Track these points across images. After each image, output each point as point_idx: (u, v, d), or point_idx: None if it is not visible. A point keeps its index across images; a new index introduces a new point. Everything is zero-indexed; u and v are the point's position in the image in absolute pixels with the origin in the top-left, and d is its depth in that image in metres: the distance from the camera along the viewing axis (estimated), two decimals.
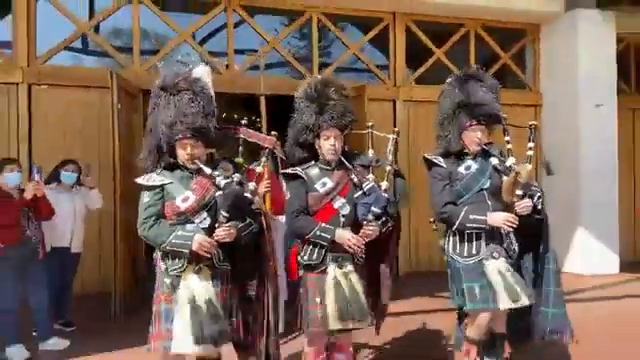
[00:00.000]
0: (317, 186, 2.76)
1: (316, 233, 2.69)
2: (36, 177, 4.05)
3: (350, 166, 2.81)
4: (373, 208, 2.68)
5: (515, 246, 2.88)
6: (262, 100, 4.64)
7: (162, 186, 2.54)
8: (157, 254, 2.61)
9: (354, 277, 2.73)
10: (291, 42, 7.29)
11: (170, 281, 2.51)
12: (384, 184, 2.80)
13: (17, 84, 5.82)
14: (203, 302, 2.42)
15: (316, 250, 2.74)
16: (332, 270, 2.72)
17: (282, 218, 3.67)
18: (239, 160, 2.65)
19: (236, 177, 2.54)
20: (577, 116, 7.09)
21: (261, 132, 4.28)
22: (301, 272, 2.83)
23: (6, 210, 3.90)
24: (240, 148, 3.21)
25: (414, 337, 4.28)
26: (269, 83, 6.56)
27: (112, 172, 5.10)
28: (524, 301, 2.75)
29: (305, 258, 2.77)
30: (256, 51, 6.79)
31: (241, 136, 3.04)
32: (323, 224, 2.71)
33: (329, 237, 2.68)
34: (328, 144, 2.76)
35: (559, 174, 7.36)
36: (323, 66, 7.13)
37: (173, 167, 2.58)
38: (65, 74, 6.07)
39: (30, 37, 5.91)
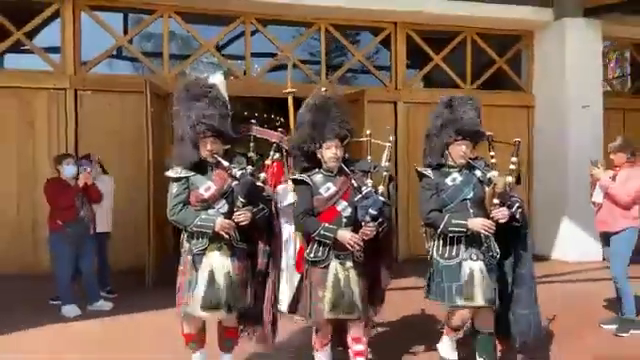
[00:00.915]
0: (321, 190, 3.04)
1: (320, 232, 2.97)
2: (87, 169, 4.96)
3: (350, 172, 3.08)
4: (371, 210, 2.93)
5: (494, 251, 3.12)
6: (290, 99, 4.75)
7: (187, 178, 2.92)
8: (183, 236, 2.99)
9: (352, 273, 3.02)
10: (302, 49, 8.05)
11: (192, 259, 2.91)
12: (381, 188, 3.08)
13: (65, 90, 6.77)
14: (222, 274, 2.83)
15: (320, 248, 3.03)
16: (334, 266, 3.01)
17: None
18: (251, 155, 3.05)
19: (248, 169, 2.91)
20: (566, 116, 7.67)
21: (287, 128, 4.55)
22: (306, 266, 3.12)
23: (64, 195, 4.84)
24: (251, 144, 3.58)
25: (413, 312, 4.71)
26: (281, 86, 7.43)
27: (146, 165, 5.98)
28: (477, 302, 3.02)
29: (311, 255, 3.05)
30: (275, 55, 7.59)
31: (252, 133, 3.49)
32: (326, 224, 2.98)
33: (332, 236, 2.96)
34: (330, 153, 3.02)
35: (550, 169, 7.97)
36: (331, 69, 7.89)
37: (196, 162, 2.94)
38: (106, 81, 7.02)
39: (76, 49, 6.84)
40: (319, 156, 3.08)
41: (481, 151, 3.33)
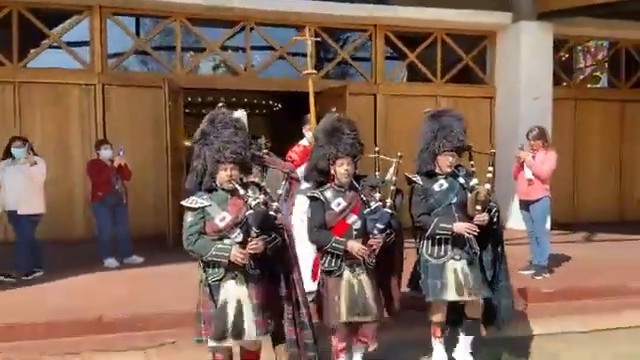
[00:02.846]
0: (333, 205, 3.28)
1: (332, 244, 3.24)
2: (120, 153, 6.25)
3: (359, 187, 3.33)
4: (378, 224, 3.20)
5: (476, 249, 3.55)
6: (310, 81, 4.91)
7: (203, 208, 2.94)
8: (199, 265, 3.01)
9: (364, 278, 3.28)
10: (295, 47, 9.22)
11: (209, 289, 2.97)
12: (388, 201, 3.31)
13: (94, 85, 8.03)
14: (234, 302, 2.90)
15: (334, 259, 3.30)
16: (346, 274, 3.28)
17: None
18: (263, 184, 3.25)
19: (261, 198, 2.94)
20: (520, 105, 8.93)
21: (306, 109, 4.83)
22: (322, 276, 3.40)
23: (103, 173, 6.17)
24: (264, 174, 3.86)
25: None
26: (278, 81, 8.81)
27: (165, 149, 7.29)
28: (465, 297, 3.44)
29: (325, 265, 3.33)
30: (273, 49, 8.78)
31: (265, 164, 4.08)
32: (337, 237, 3.24)
33: (342, 247, 3.23)
34: (342, 169, 3.25)
35: (506, 151, 9.22)
36: (319, 64, 9.10)
37: (212, 190, 2.99)
38: (128, 77, 8.30)
39: (103, 50, 8.08)
40: (332, 172, 3.31)
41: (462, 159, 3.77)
